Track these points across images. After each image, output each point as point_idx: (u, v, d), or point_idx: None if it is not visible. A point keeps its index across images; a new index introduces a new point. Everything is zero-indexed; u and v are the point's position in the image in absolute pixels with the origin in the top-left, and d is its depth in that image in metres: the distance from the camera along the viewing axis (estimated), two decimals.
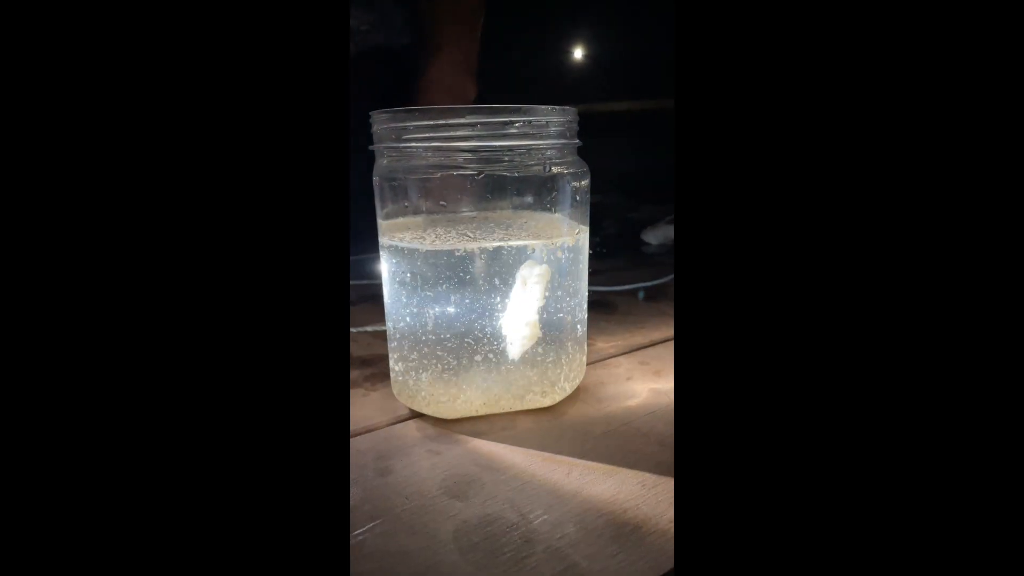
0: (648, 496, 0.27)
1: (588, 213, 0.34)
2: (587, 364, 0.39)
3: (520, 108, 0.30)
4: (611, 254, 0.76)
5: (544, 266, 0.32)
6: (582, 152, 0.34)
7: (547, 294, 0.33)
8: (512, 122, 0.30)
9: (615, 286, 0.60)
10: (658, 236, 0.81)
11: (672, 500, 0.26)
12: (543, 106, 0.30)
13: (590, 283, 0.37)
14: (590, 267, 0.36)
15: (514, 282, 0.32)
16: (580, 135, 0.33)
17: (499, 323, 0.32)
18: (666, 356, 0.43)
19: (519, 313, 0.32)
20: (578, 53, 1.34)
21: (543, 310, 0.33)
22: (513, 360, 0.33)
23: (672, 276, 0.63)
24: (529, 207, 0.32)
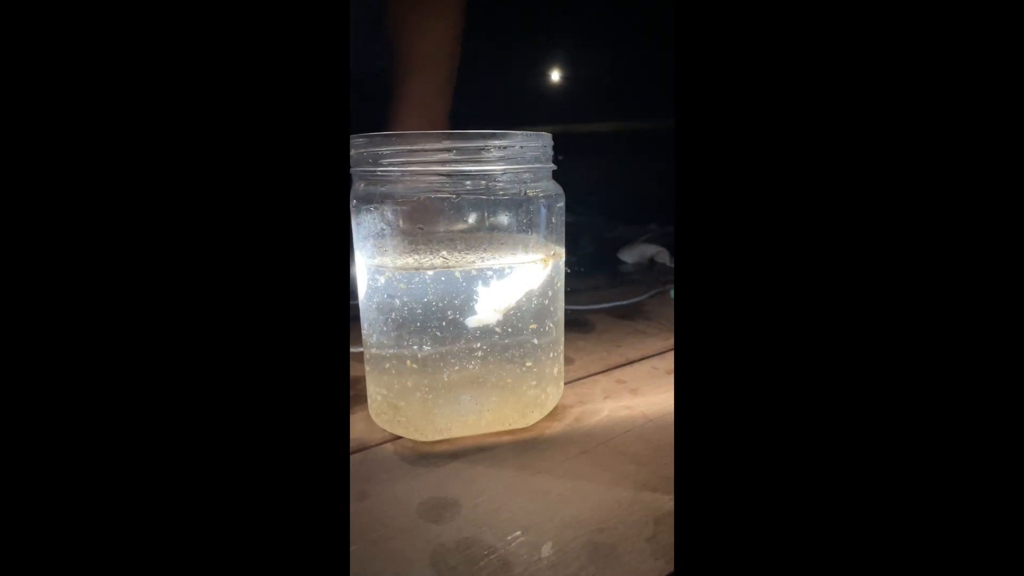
0: (625, 515, 0.27)
1: (563, 234, 0.35)
2: (564, 383, 0.39)
3: (496, 134, 0.30)
4: (588, 273, 0.77)
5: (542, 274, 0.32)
6: (560, 173, 0.35)
7: (524, 298, 0.33)
8: (488, 147, 0.30)
9: (592, 305, 0.60)
10: (634, 255, 0.83)
11: (648, 519, 0.27)
12: (518, 132, 0.31)
13: (568, 302, 0.37)
14: (567, 286, 0.36)
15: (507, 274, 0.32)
16: (557, 156, 0.34)
17: (474, 318, 0.32)
18: (643, 374, 0.44)
19: (496, 298, 0.32)
20: (556, 74, 1.37)
21: (514, 313, 0.33)
22: (472, 326, 0.33)
23: (647, 295, 0.64)
24: (505, 229, 0.33)
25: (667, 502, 0.28)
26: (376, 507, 0.28)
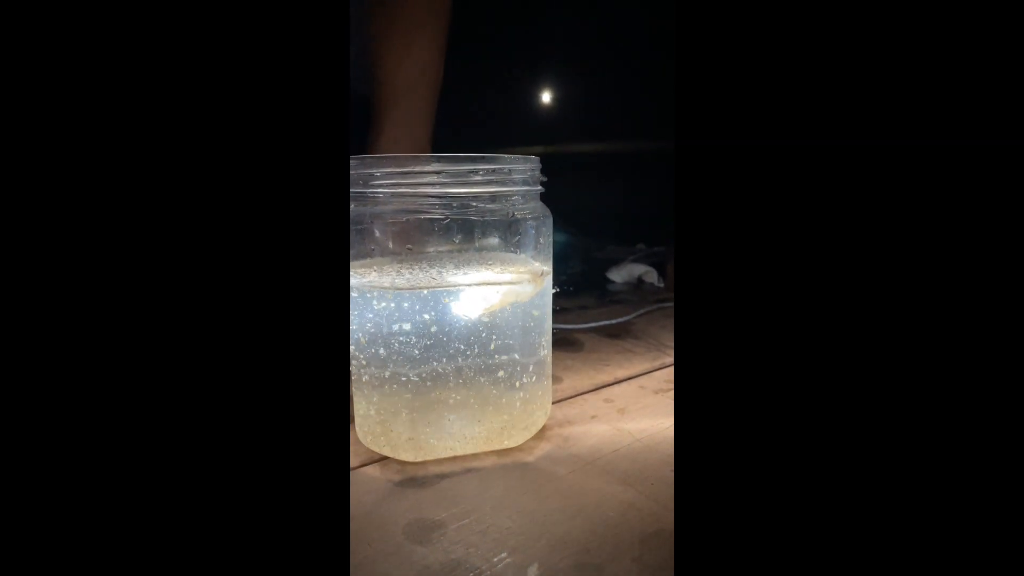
0: (612, 535, 0.27)
1: (551, 255, 0.36)
2: (552, 403, 0.39)
3: (484, 157, 0.31)
4: (577, 293, 0.77)
5: (522, 291, 0.33)
6: (551, 192, 0.36)
7: (511, 317, 0.33)
8: (477, 170, 0.31)
9: (580, 324, 0.61)
10: (622, 275, 0.83)
11: (635, 539, 0.27)
12: (506, 155, 0.32)
13: (556, 321, 0.38)
14: (556, 305, 0.37)
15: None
16: (548, 176, 0.35)
17: (468, 359, 0.32)
18: (631, 394, 0.44)
19: (482, 299, 0.32)
20: (546, 96, 1.39)
21: (502, 332, 0.33)
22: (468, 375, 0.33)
23: (635, 314, 0.65)
24: (494, 249, 0.33)
25: (654, 522, 0.28)
26: (361, 528, 0.28)
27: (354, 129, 0.57)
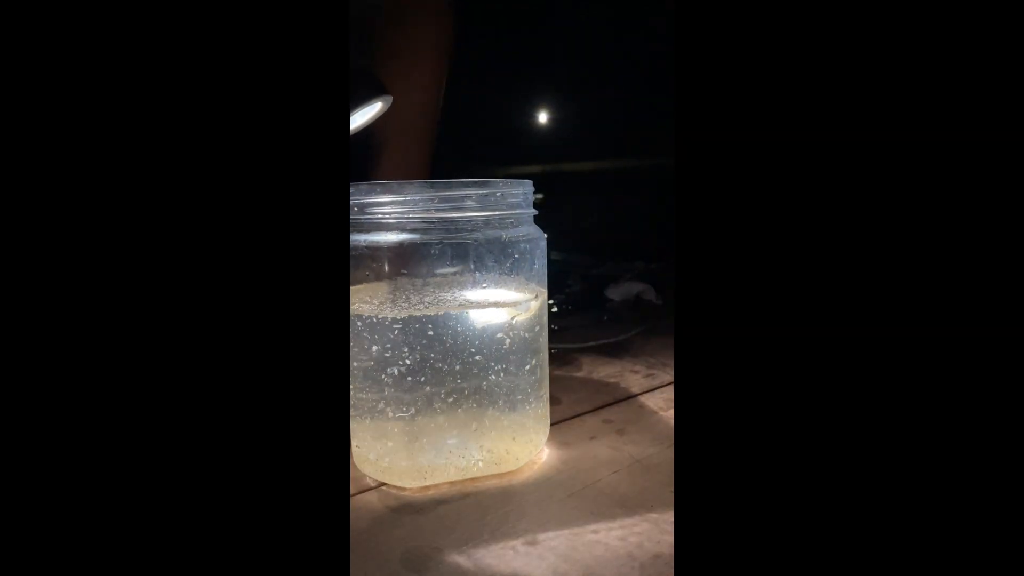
0: (612, 559, 0.27)
1: (546, 276, 0.36)
2: (551, 424, 0.39)
3: (477, 182, 0.31)
4: (575, 311, 0.77)
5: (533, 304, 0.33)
6: (547, 211, 0.36)
7: (507, 339, 0.33)
8: (470, 195, 0.31)
9: (579, 343, 0.61)
10: (621, 292, 0.83)
11: (635, 563, 0.26)
12: (499, 180, 0.32)
13: (554, 340, 0.38)
14: (554, 324, 0.37)
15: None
16: (546, 194, 0.35)
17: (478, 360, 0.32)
18: (629, 414, 0.44)
19: (478, 323, 0.33)
20: (543, 114, 1.41)
21: (499, 355, 0.33)
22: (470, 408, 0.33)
23: (634, 332, 0.64)
24: (489, 272, 0.33)
25: (654, 545, 0.28)
26: (358, 557, 0.27)
27: (356, 155, 0.58)
